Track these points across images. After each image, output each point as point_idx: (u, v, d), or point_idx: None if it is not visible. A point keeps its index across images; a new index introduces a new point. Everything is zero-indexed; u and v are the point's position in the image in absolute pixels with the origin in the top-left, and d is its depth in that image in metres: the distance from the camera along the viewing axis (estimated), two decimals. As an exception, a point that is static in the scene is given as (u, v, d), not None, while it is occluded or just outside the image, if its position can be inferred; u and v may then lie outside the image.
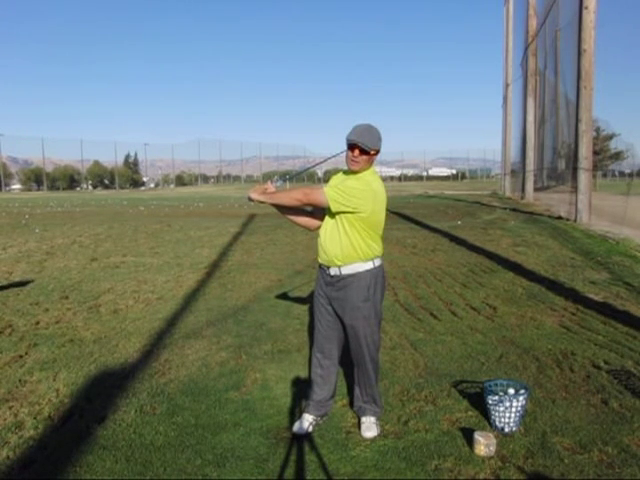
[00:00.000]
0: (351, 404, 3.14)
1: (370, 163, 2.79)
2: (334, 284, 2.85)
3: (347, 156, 2.77)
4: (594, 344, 4.17)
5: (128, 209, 22.21)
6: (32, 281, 6.80)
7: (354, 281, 2.80)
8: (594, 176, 16.61)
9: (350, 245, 2.76)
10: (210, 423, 2.99)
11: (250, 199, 2.83)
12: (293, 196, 2.77)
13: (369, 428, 2.86)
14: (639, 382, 3.43)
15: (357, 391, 3.02)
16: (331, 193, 2.69)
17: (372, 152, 2.74)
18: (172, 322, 4.94)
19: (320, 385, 2.98)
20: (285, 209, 2.95)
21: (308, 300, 5.51)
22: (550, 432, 2.83)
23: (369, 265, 2.81)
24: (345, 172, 2.90)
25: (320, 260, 2.92)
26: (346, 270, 2.80)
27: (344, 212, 2.72)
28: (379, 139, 2.77)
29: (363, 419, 2.93)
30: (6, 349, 4.24)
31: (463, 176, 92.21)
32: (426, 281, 6.59)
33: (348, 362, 3.67)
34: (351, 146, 2.72)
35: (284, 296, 5.81)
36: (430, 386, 3.43)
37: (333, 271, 2.83)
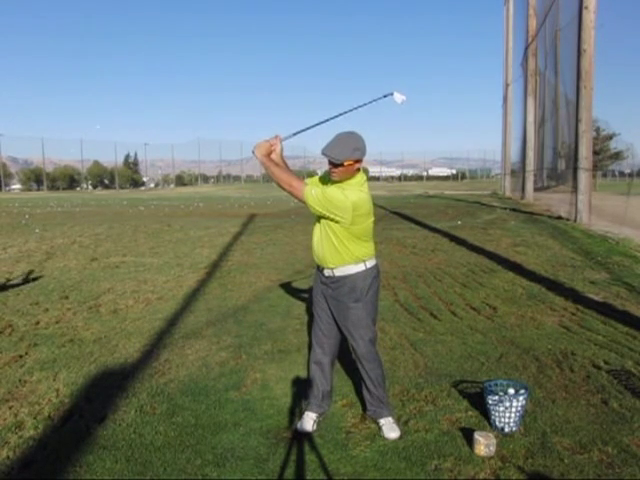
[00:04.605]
0: (364, 409, 3.06)
1: (350, 173, 2.71)
2: (328, 284, 2.90)
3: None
4: (594, 344, 4.17)
5: (128, 209, 22.21)
6: (38, 278, 6.92)
7: (346, 283, 2.83)
8: (594, 176, 16.63)
9: (335, 250, 2.77)
10: (210, 423, 2.99)
11: (253, 152, 2.78)
12: (282, 178, 2.72)
13: (392, 429, 2.82)
14: (639, 382, 3.43)
15: (367, 395, 2.97)
16: (310, 197, 2.66)
17: (346, 164, 2.65)
18: (172, 322, 4.94)
19: (320, 382, 2.98)
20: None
21: (308, 300, 5.51)
22: (550, 432, 2.83)
23: (361, 267, 2.82)
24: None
25: (316, 260, 2.95)
26: (339, 272, 2.83)
27: (324, 217, 2.73)
28: (355, 149, 2.66)
29: (382, 421, 2.88)
30: (6, 349, 4.24)
31: (463, 176, 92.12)
32: (426, 281, 6.59)
33: (348, 362, 3.68)
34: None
35: (284, 296, 5.81)
36: (430, 386, 3.43)
37: (327, 272, 2.88)
